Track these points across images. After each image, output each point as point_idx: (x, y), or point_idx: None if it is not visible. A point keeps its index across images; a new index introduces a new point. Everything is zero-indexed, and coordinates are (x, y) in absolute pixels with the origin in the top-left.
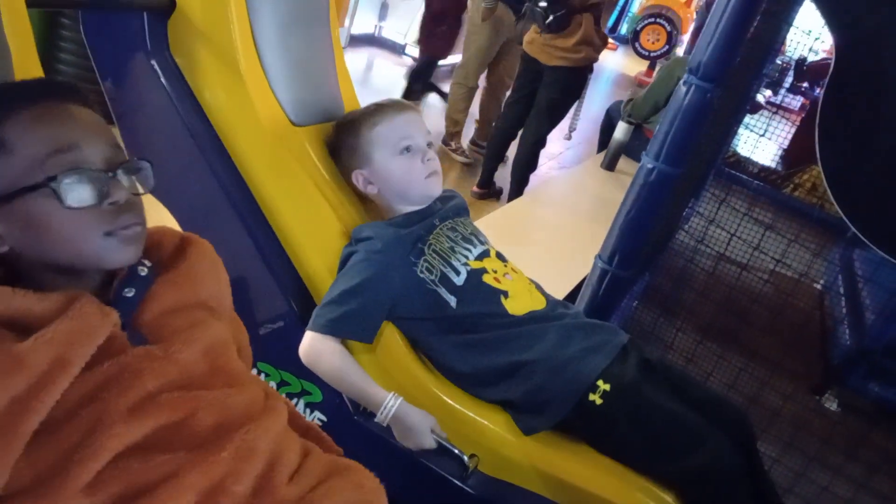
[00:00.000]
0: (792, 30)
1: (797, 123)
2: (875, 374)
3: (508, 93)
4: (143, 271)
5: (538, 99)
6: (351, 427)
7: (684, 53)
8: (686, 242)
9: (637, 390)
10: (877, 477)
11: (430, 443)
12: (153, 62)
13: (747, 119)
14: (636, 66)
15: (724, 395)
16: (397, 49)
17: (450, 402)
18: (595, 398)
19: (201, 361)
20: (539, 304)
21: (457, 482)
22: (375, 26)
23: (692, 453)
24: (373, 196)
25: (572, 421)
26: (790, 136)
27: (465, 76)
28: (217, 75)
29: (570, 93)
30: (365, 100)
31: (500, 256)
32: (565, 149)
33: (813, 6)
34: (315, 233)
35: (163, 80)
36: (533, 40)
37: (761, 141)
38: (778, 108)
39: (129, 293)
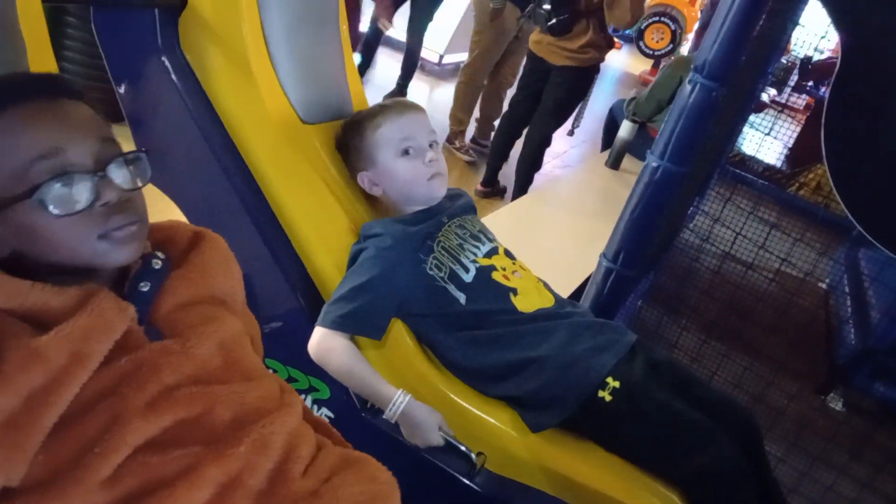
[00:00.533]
0: (797, 28)
1: (802, 122)
2: (880, 373)
3: (512, 91)
4: (158, 264)
5: (544, 98)
6: (358, 424)
7: (689, 52)
8: (691, 241)
9: (645, 389)
10: (881, 477)
11: (437, 440)
12: (164, 59)
13: (752, 118)
14: (640, 65)
15: (731, 396)
16: (400, 47)
17: (457, 399)
18: (605, 395)
19: (217, 356)
20: (548, 301)
21: (464, 480)
22: None
23: (698, 453)
24: (379, 197)
25: (579, 419)
26: (795, 135)
27: (471, 75)
28: (227, 72)
29: (577, 93)
30: (368, 97)
31: (508, 254)
32: (569, 147)
33: (819, 5)
34: (324, 230)
35: (173, 76)
36: (540, 40)
37: (766, 140)
38: (783, 107)
39: (145, 287)
